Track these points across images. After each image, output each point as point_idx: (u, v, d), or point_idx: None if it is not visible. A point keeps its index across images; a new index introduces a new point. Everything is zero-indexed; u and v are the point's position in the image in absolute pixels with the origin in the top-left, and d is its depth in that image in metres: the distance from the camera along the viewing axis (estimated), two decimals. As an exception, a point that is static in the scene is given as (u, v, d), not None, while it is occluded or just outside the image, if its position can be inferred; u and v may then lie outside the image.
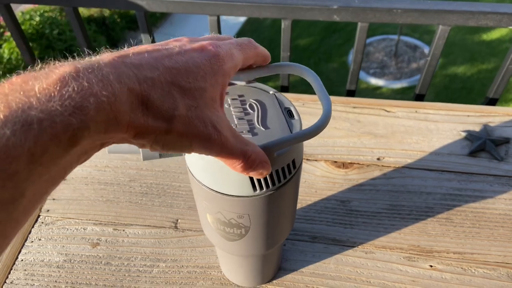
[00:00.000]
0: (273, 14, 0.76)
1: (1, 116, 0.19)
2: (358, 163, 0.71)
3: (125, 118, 0.24)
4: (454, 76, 4.06)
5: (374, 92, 3.95)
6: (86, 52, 0.28)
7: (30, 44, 3.19)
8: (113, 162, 0.72)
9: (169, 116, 0.26)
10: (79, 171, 0.71)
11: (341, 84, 3.94)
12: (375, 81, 3.97)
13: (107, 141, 0.25)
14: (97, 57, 0.25)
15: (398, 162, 0.70)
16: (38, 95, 0.21)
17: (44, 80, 0.22)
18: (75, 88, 0.22)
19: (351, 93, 0.88)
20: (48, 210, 0.67)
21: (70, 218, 0.65)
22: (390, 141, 0.73)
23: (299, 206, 0.65)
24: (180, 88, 0.27)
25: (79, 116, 0.21)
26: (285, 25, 0.78)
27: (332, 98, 0.80)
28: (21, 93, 0.21)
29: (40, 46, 3.32)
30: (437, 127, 0.75)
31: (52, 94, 0.21)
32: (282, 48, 0.82)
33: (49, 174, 0.22)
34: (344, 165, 0.71)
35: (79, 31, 0.82)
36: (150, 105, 0.25)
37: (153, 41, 0.84)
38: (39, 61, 0.29)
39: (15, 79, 0.22)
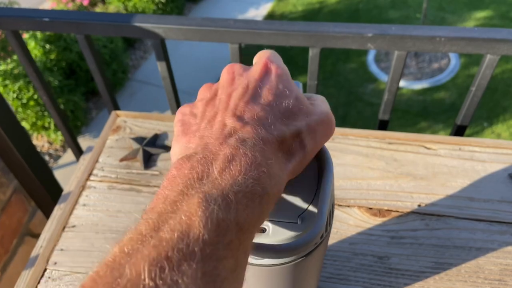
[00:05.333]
0: (300, 42, 0.69)
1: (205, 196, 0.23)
2: (396, 211, 0.63)
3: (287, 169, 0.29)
4: (477, 76, 3.93)
5: (386, 83, 3.84)
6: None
7: (48, 46, 3.18)
8: (126, 207, 0.66)
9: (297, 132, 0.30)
10: (89, 217, 0.65)
11: (359, 84, 3.84)
12: (395, 82, 3.87)
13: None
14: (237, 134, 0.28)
15: (442, 210, 0.63)
16: (224, 180, 0.24)
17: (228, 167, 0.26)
18: (249, 162, 0.26)
19: (384, 124, 0.80)
20: (55, 263, 0.61)
21: (78, 273, 0.60)
22: (431, 185, 0.66)
23: (331, 262, 0.59)
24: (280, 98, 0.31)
25: (260, 185, 0.25)
26: (313, 53, 0.70)
27: (366, 132, 0.72)
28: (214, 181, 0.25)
29: (58, 48, 3.29)
30: (484, 168, 0.67)
31: (236, 175, 0.25)
32: (309, 77, 0.75)
33: (250, 241, 0.25)
34: (380, 212, 0.63)
35: (92, 60, 0.76)
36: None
37: (169, 68, 0.78)
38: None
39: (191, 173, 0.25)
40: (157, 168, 0.71)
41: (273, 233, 0.32)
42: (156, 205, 0.24)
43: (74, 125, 3.13)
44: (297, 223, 0.32)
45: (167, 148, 0.72)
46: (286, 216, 0.32)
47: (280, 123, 0.29)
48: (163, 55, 0.75)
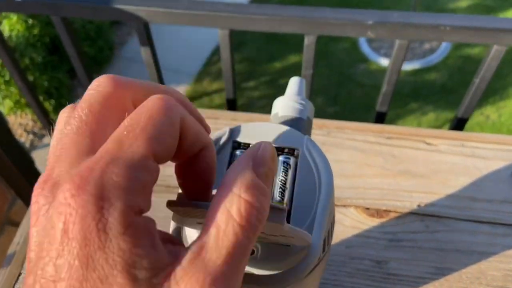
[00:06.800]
0: (295, 29, 0.64)
1: None
2: (394, 211, 0.60)
3: None
4: (468, 57, 3.89)
5: (385, 73, 3.81)
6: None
7: (31, 21, 3.08)
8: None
9: None
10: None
11: (351, 65, 3.79)
12: (386, 62, 3.81)
13: None
14: None
15: (442, 211, 0.60)
16: None
17: None
18: None
19: (381, 116, 0.77)
20: (31, 266, 0.57)
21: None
22: (431, 183, 0.62)
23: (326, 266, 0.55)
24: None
25: None
26: (309, 41, 0.66)
27: (363, 125, 0.68)
28: None
29: (40, 23, 3.18)
30: (486, 166, 0.64)
31: None
32: (304, 66, 0.70)
33: None
34: (378, 213, 0.60)
35: (69, 44, 0.70)
36: None
37: (153, 55, 0.73)
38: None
39: None
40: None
41: (262, 257, 0.28)
42: None
43: (58, 103, 3.05)
44: (289, 246, 0.28)
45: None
46: None
47: None
48: (147, 40, 0.69)
